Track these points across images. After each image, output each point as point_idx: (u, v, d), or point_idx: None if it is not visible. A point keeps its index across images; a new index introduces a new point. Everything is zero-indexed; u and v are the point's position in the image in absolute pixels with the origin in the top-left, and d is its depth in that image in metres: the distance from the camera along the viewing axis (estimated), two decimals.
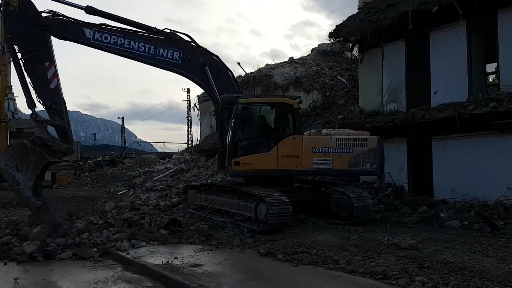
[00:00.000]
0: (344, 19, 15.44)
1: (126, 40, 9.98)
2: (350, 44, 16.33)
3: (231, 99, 10.36)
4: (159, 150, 76.27)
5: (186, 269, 6.51)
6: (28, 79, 9.71)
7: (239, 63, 19.78)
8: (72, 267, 7.15)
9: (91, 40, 9.92)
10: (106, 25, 10.16)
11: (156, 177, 21.62)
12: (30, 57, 9.60)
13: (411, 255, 6.75)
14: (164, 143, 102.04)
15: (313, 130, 11.05)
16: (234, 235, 8.98)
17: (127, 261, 7.34)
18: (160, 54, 10.23)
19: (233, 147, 10.15)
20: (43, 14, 9.78)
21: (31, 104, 10.07)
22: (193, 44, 10.73)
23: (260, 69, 23.13)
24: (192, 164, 22.96)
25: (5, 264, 7.36)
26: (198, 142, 30.24)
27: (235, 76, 12.52)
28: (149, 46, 10.13)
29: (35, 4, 9.68)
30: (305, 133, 11.00)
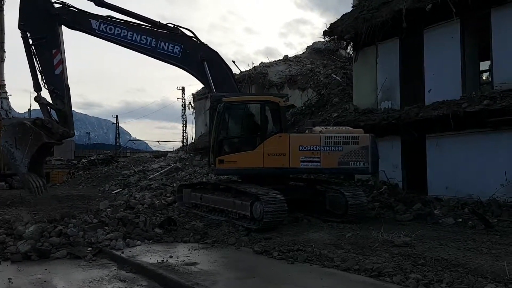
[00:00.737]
0: (338, 17, 15.47)
1: (129, 32, 10.42)
2: (345, 42, 16.36)
3: (219, 97, 10.37)
4: (154, 148, 76.19)
5: (181, 267, 6.50)
6: (36, 64, 10.61)
7: (233, 61, 19.83)
8: (66, 266, 7.12)
9: (97, 31, 10.47)
10: (111, 17, 10.68)
11: (151, 176, 21.54)
12: (39, 43, 10.44)
13: (406, 252, 6.79)
14: (159, 142, 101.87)
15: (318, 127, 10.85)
16: (229, 233, 8.98)
17: (122, 260, 7.32)
18: (161, 47, 10.53)
19: (217, 145, 10.26)
20: (55, 5, 10.51)
21: (37, 87, 10.93)
22: (194, 40, 10.83)
23: (255, 67, 23.12)
24: (187, 163, 22.90)
25: None
26: (193, 141, 30.20)
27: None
28: (150, 39, 10.49)
29: None
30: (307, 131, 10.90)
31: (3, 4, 32.48)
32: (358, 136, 10.07)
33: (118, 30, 10.39)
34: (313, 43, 24.67)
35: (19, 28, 10.73)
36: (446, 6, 11.35)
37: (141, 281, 6.21)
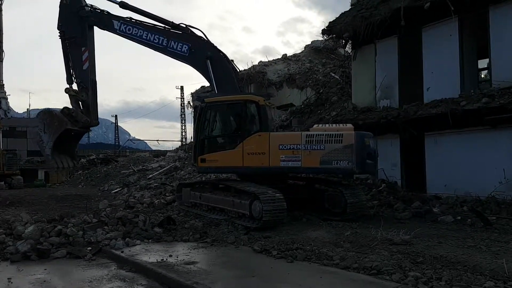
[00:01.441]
0: (336, 16, 15.48)
1: (145, 32, 11.54)
2: (343, 41, 16.35)
3: (203, 97, 10.80)
4: (153, 148, 76.02)
5: (181, 266, 6.51)
6: (69, 61, 12.31)
7: (232, 61, 19.80)
8: (66, 266, 7.13)
9: (118, 31, 11.73)
10: (130, 18, 11.96)
11: (150, 175, 21.53)
12: (72, 42, 12.03)
13: (405, 250, 6.80)
14: (158, 141, 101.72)
15: (316, 125, 10.79)
16: (228, 232, 8.99)
17: (121, 260, 7.32)
18: (171, 46, 11.39)
19: (199, 144, 10.72)
20: (85, 8, 11.99)
21: (69, 80, 12.66)
22: (201, 39, 11.39)
23: (253, 66, 23.11)
24: (186, 162, 22.89)
25: None
26: (192, 140, 30.15)
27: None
28: (162, 38, 11.45)
29: None
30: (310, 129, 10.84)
31: (1, 4, 32.45)
32: (342, 134, 9.54)
33: (135, 30, 11.56)
34: (311, 42, 24.68)
35: (58, 28, 12.46)
36: (444, 5, 11.36)
37: (140, 280, 6.22)
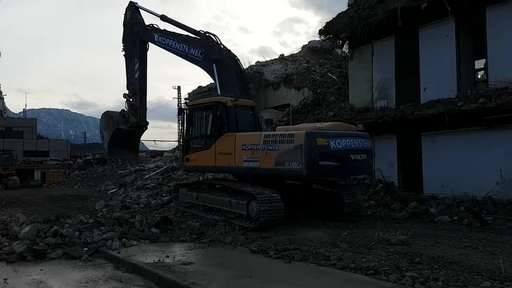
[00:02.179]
0: (332, 16, 15.50)
1: (174, 42, 12.79)
2: (340, 41, 16.38)
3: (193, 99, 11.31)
4: (150, 148, 75.76)
5: (178, 267, 6.49)
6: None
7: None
8: (62, 266, 7.09)
9: (156, 42, 13.23)
10: (165, 30, 13.43)
11: (147, 176, 21.44)
12: (129, 55, 14.12)
13: (402, 250, 6.81)
14: (155, 141, 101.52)
15: (317, 124, 10.77)
16: (225, 232, 8.98)
17: (118, 260, 7.30)
18: (191, 52, 12.35)
19: (185, 144, 11.63)
20: (137, 25, 13.76)
21: (127, 86, 15.30)
22: (212, 43, 11.92)
23: (250, 66, 23.09)
24: (183, 162, 22.84)
25: None
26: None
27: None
28: (185, 46, 12.50)
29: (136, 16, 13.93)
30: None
31: None
32: (293, 134, 9.20)
33: (168, 41, 12.99)
34: (308, 42, 24.69)
35: (122, 43, 14.85)
36: (441, 5, 11.39)
37: (137, 281, 6.19)
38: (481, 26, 11.67)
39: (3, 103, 31.35)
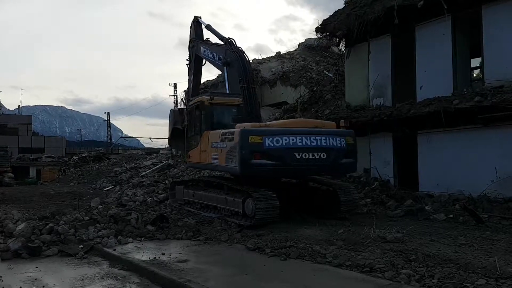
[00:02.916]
0: (329, 14, 15.50)
1: (208, 51, 13.40)
2: (337, 39, 16.35)
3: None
4: (146, 145, 75.80)
5: (174, 264, 6.48)
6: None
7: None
8: (57, 264, 7.06)
9: (202, 54, 13.67)
10: (205, 41, 14.02)
11: (143, 173, 21.44)
12: (188, 65, 14.84)
13: (397, 248, 6.82)
14: (151, 139, 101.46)
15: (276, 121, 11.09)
16: (221, 230, 8.96)
17: (113, 258, 7.27)
18: (216, 58, 12.75)
19: (186, 142, 12.19)
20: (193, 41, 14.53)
21: (186, 92, 16.85)
22: (226, 46, 12.38)
23: None
24: (179, 160, 22.82)
25: None
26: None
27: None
28: (214, 53, 13.01)
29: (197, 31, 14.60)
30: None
31: None
32: (233, 132, 9.32)
33: (207, 51, 13.47)
34: (305, 40, 24.68)
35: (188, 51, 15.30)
36: (437, 3, 11.39)
37: (133, 278, 6.17)
38: (477, 25, 11.69)
39: None
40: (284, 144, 9.00)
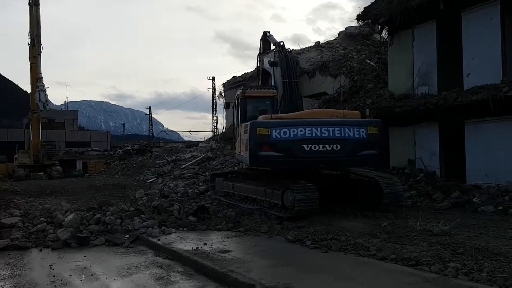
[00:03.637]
0: (369, 1, 15.01)
1: (265, 59, 13.41)
2: (379, 26, 15.85)
3: None
4: (186, 139, 77.22)
5: (216, 255, 6.57)
6: None
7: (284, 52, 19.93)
8: (105, 253, 7.34)
9: (265, 66, 13.55)
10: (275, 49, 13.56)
11: (184, 165, 21.82)
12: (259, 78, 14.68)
13: (444, 241, 6.59)
14: (190, 132, 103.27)
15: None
16: (261, 221, 9.00)
17: (158, 247, 7.48)
18: (268, 63, 12.91)
19: (233, 135, 12.43)
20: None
21: None
22: (277, 49, 12.59)
23: None
24: (218, 152, 23.06)
25: (40, 250, 7.63)
26: (223, 130, 30.36)
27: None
28: (268, 59, 13.12)
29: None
30: None
31: None
32: (247, 125, 9.44)
33: (265, 60, 13.44)
34: (345, 28, 24.11)
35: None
36: None
37: (177, 267, 6.31)
38: None
39: (46, 95, 32.37)
40: (291, 135, 8.91)
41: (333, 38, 24.13)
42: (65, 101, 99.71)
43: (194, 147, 32.20)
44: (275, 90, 11.38)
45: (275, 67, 12.34)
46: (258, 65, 14.58)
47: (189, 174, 18.09)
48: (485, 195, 10.45)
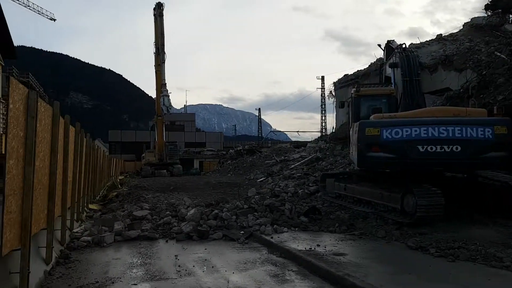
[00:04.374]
0: None
1: (387, 66, 13.11)
2: (511, 16, 14.16)
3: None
4: (293, 139, 77.96)
5: (330, 257, 6.44)
6: None
7: (379, 45, 18.73)
8: (223, 247, 7.68)
9: (387, 73, 13.23)
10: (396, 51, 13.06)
11: (292, 166, 21.95)
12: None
13: None
14: (298, 132, 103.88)
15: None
16: (377, 226, 8.60)
17: (271, 245, 7.59)
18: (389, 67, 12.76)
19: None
20: None
21: None
22: (400, 50, 12.39)
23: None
24: (327, 153, 22.73)
25: (167, 241, 8.26)
26: (333, 130, 29.86)
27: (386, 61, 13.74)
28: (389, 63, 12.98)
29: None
30: None
31: (162, 10, 36.49)
32: (357, 124, 9.17)
33: (391, 60, 12.97)
34: (471, 19, 21.96)
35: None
36: None
37: (291, 266, 6.33)
38: None
39: (169, 100, 35.44)
40: (404, 136, 8.28)
41: (456, 30, 22.16)
42: (184, 105, 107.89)
43: (302, 147, 32.26)
44: (392, 88, 10.80)
45: (395, 69, 11.89)
46: (381, 73, 14.19)
47: (298, 174, 18.14)
48: None
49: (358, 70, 26.31)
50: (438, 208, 8.05)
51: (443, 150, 8.19)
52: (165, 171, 36.08)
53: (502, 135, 8.16)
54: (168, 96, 35.31)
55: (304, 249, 7.00)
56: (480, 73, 15.39)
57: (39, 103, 4.77)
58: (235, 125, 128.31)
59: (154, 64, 36.45)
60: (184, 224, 8.84)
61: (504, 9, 13.35)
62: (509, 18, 14.70)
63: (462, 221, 8.48)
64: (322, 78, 63.47)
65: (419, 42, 21.87)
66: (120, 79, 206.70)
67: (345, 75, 28.21)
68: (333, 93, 29.73)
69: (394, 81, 11.89)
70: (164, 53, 36.23)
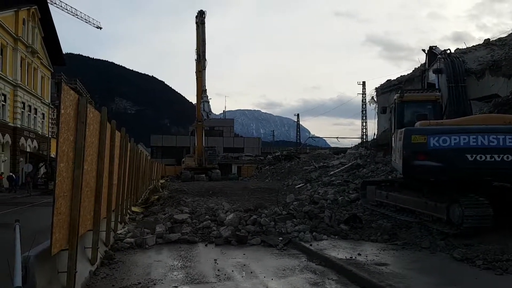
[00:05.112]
0: None
1: (431, 73, 12.76)
2: None
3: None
4: (332, 145, 77.06)
5: (372, 266, 6.29)
6: None
7: (424, 50, 18.16)
8: (261, 252, 7.68)
9: (430, 79, 13.06)
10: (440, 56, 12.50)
11: (332, 172, 21.64)
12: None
13: None
14: (338, 138, 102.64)
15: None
16: (421, 236, 8.32)
17: (310, 252, 7.51)
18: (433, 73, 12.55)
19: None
20: None
21: None
22: (445, 55, 12.00)
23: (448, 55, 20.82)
24: (368, 160, 22.25)
25: (206, 245, 8.36)
26: (375, 137, 29.24)
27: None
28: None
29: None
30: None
31: (204, 17, 37.23)
32: (402, 131, 8.83)
33: (435, 66, 12.53)
34: None
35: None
36: None
37: (331, 275, 6.23)
38: None
39: (209, 106, 36.08)
40: (452, 144, 7.92)
41: (505, 35, 21.21)
42: (223, 111, 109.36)
43: (341, 154, 31.78)
44: (438, 94, 10.43)
45: (439, 75, 11.47)
46: (423, 80, 13.86)
47: (338, 181, 17.86)
48: None
49: (401, 76, 25.70)
50: (486, 219, 7.69)
51: (493, 159, 7.80)
52: (204, 175, 36.60)
53: None
54: (208, 102, 35.88)
55: (345, 257, 6.88)
56: None
57: (88, 109, 4.97)
58: (273, 130, 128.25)
59: (195, 70, 37.21)
60: (223, 229, 8.92)
61: None
62: None
63: (510, 232, 8.05)
64: (363, 83, 62.40)
65: (465, 47, 21.08)
66: (162, 85, 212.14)
67: (388, 80, 27.60)
68: (375, 99, 29.13)
69: (439, 87, 11.47)
70: (205, 59, 36.89)
